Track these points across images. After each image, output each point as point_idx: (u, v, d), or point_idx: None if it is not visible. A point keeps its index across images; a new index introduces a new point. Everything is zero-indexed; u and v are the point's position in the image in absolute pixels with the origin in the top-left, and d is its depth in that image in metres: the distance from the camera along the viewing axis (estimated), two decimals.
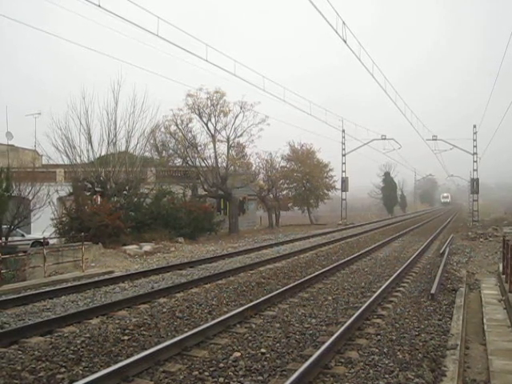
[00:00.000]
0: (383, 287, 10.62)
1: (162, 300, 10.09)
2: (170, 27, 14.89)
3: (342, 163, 47.73)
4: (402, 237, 26.74)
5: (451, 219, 51.57)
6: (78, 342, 6.98)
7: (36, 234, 23.55)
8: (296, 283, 11.30)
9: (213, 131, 31.52)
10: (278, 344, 6.89)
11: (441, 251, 18.76)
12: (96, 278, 13.06)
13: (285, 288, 10.63)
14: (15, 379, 5.56)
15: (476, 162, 44.20)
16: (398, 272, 12.86)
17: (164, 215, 24.50)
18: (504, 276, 11.60)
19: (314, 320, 8.32)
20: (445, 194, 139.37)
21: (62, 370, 5.84)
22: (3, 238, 19.41)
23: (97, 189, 24.09)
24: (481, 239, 25.36)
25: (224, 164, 32.12)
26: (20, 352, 6.59)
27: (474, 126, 43.91)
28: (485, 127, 44.49)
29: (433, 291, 10.39)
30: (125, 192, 24.99)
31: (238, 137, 32.36)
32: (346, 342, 6.96)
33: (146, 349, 6.49)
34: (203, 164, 31.57)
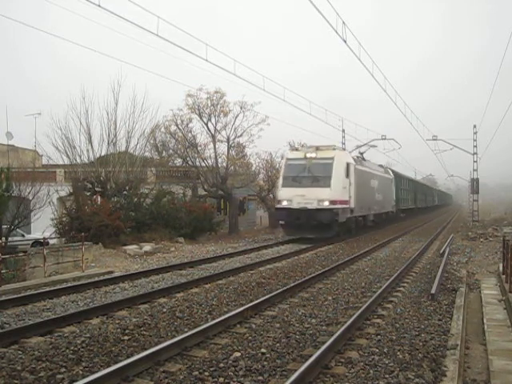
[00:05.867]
0: (383, 287, 10.63)
1: (162, 300, 10.09)
2: (170, 27, 14.87)
3: None
4: (401, 237, 26.70)
5: (451, 219, 51.56)
6: (78, 341, 6.98)
7: (36, 234, 23.59)
8: (296, 283, 11.30)
9: (213, 131, 31.50)
10: (278, 344, 6.90)
11: (441, 251, 18.73)
12: (96, 278, 13.05)
13: (285, 288, 10.63)
14: (15, 379, 5.57)
15: (476, 161, 44.18)
16: (398, 272, 12.87)
17: (164, 215, 24.47)
18: (504, 276, 11.60)
19: (314, 320, 8.32)
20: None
21: (62, 370, 5.84)
22: (3, 238, 19.40)
23: (97, 189, 24.07)
24: (481, 239, 25.31)
25: (224, 164, 32.10)
26: (20, 352, 6.59)
27: (474, 126, 43.87)
28: (485, 127, 44.54)
29: (433, 291, 10.38)
30: (125, 192, 24.96)
31: (238, 137, 32.33)
32: (346, 342, 6.97)
33: (146, 349, 6.50)
34: (203, 164, 31.55)
